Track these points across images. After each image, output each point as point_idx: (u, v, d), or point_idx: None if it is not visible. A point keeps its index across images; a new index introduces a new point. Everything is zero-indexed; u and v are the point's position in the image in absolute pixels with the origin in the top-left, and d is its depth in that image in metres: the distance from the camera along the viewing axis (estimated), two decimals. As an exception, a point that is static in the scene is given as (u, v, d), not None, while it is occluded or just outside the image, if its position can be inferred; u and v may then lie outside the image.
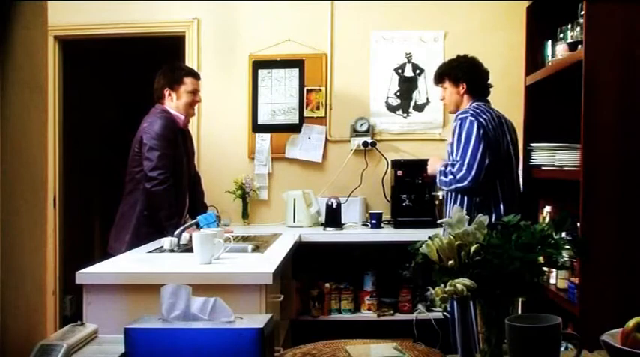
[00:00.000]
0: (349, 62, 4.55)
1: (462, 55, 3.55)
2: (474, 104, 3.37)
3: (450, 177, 3.25)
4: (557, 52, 2.91)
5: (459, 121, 3.26)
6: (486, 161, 3.17)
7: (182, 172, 3.62)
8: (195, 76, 3.70)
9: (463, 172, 3.19)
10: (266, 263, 2.77)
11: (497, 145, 3.25)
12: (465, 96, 3.41)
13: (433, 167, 3.50)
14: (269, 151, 4.54)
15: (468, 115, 3.28)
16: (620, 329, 1.26)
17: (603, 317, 2.15)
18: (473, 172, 3.17)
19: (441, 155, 3.66)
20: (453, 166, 3.26)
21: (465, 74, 3.42)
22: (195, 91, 3.64)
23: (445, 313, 3.58)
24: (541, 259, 1.33)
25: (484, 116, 3.27)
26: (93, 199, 5.81)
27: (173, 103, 3.58)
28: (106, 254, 3.27)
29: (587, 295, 2.45)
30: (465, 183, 3.19)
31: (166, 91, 3.58)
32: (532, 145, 3.15)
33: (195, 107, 3.77)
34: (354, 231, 4.21)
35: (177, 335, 1.24)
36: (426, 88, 4.50)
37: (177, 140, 3.57)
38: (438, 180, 3.36)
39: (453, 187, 3.25)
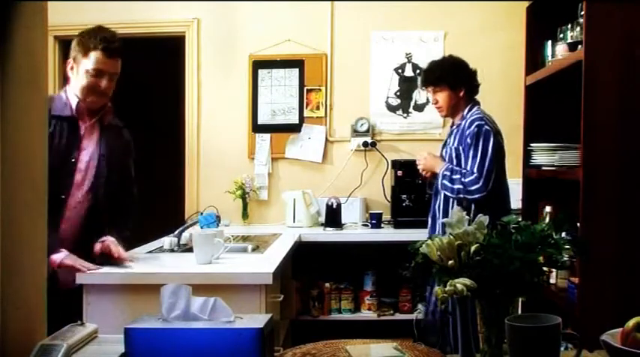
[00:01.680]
0: (349, 62, 4.55)
1: (451, 57, 3.45)
2: (476, 109, 3.30)
3: (459, 186, 3.13)
4: (557, 52, 2.91)
5: (476, 129, 3.15)
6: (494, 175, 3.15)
7: (62, 179, 2.55)
8: (108, 52, 2.60)
9: (479, 185, 3.09)
10: (266, 263, 2.77)
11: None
12: (462, 100, 3.32)
13: (430, 164, 3.35)
14: (269, 151, 4.55)
15: (484, 123, 3.19)
16: (620, 329, 1.26)
17: (603, 317, 2.15)
18: (489, 187, 3.10)
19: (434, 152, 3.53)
20: (463, 174, 3.13)
21: (464, 79, 3.32)
22: (98, 72, 2.58)
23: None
24: (541, 259, 1.33)
25: (495, 125, 3.26)
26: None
27: (73, 79, 2.64)
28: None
29: (587, 295, 2.45)
30: (477, 195, 3.09)
31: (69, 63, 2.65)
32: (532, 145, 3.15)
33: (105, 94, 2.65)
34: (354, 231, 4.21)
35: (177, 335, 1.24)
36: (426, 88, 4.50)
37: (54, 134, 2.53)
38: (440, 183, 3.23)
39: (461, 195, 3.13)
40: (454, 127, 3.36)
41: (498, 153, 3.17)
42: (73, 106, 2.60)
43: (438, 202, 3.33)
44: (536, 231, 1.32)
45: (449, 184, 3.18)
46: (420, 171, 3.42)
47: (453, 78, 3.30)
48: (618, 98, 2.44)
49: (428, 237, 3.65)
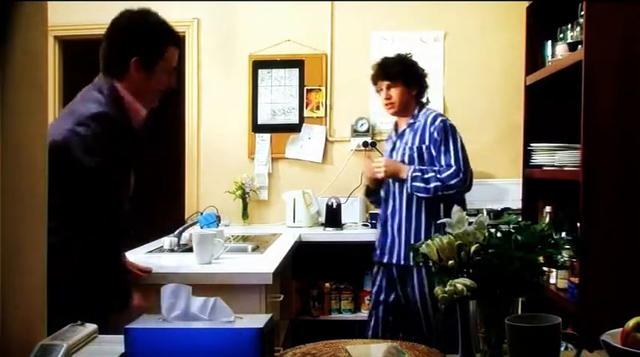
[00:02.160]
0: (349, 62, 4.55)
1: (406, 56, 3.39)
2: (428, 108, 3.30)
3: (436, 183, 3.07)
4: (557, 52, 2.92)
5: (442, 124, 3.17)
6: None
7: (124, 201, 2.20)
8: (178, 45, 2.24)
9: (459, 178, 3.08)
10: (266, 263, 2.77)
11: None
12: (413, 100, 3.29)
13: (393, 169, 3.20)
14: (269, 151, 4.55)
15: (446, 118, 3.24)
16: (620, 329, 1.26)
17: (603, 317, 2.15)
18: (469, 179, 3.13)
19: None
20: (437, 171, 3.09)
21: (418, 78, 3.32)
22: (173, 71, 2.23)
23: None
24: (541, 259, 1.33)
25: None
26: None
27: (137, 79, 2.12)
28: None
29: (587, 295, 2.45)
30: (458, 189, 3.10)
31: (134, 62, 2.11)
32: (532, 145, 3.15)
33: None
34: (354, 231, 4.21)
35: (177, 335, 1.24)
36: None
37: (127, 149, 2.13)
38: (409, 185, 3.13)
39: (439, 193, 3.07)
40: (406, 127, 3.28)
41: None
42: (142, 115, 2.16)
43: (390, 207, 3.25)
44: (536, 231, 1.32)
45: (422, 185, 3.10)
46: (380, 177, 3.25)
47: (409, 75, 3.29)
48: (618, 98, 2.44)
49: (377, 244, 3.57)
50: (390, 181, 3.25)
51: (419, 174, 3.12)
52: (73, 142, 1.96)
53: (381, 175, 3.23)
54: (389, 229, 3.25)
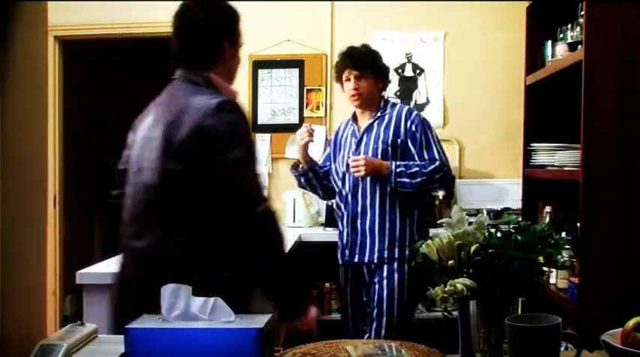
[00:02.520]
0: (349, 62, 4.54)
1: (371, 47, 3.26)
2: (396, 102, 3.28)
3: (422, 178, 2.98)
4: (557, 52, 2.92)
5: (418, 117, 3.10)
6: None
7: None
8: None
9: (444, 171, 3.02)
10: (266, 263, 2.76)
11: None
12: (378, 92, 3.18)
13: (373, 166, 3.00)
14: (269, 151, 4.55)
15: (418, 112, 3.21)
16: (620, 329, 1.26)
17: (603, 317, 2.15)
18: (451, 172, 3.14)
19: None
20: (421, 166, 3.00)
21: (385, 71, 3.22)
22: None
23: (445, 313, 3.56)
24: (541, 259, 1.33)
25: None
26: (93, 198, 5.80)
27: (227, 67, 2.13)
28: (106, 254, 3.24)
29: (587, 295, 2.45)
30: (443, 183, 3.10)
31: (227, 46, 2.09)
32: (532, 145, 3.16)
33: None
34: (354, 231, 4.20)
35: (177, 335, 1.24)
36: (426, 88, 4.50)
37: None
38: (394, 181, 2.99)
39: (425, 187, 3.03)
40: (373, 121, 3.13)
41: None
42: (236, 99, 2.09)
43: (359, 205, 3.11)
44: (536, 231, 1.32)
45: (408, 180, 2.99)
46: (361, 176, 3.05)
47: (378, 67, 3.17)
48: (618, 98, 2.44)
49: (345, 243, 3.32)
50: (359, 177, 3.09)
51: (403, 169, 3.00)
52: (211, 135, 1.82)
53: (361, 173, 3.00)
54: (359, 227, 3.13)
